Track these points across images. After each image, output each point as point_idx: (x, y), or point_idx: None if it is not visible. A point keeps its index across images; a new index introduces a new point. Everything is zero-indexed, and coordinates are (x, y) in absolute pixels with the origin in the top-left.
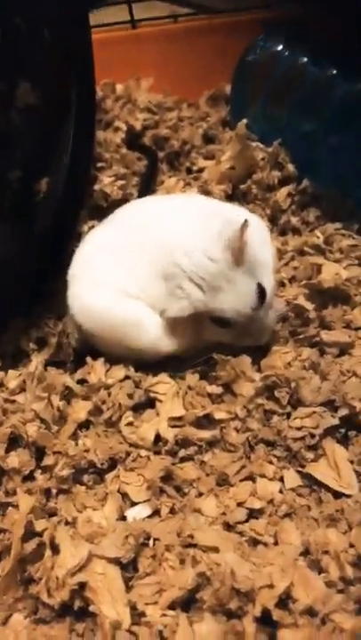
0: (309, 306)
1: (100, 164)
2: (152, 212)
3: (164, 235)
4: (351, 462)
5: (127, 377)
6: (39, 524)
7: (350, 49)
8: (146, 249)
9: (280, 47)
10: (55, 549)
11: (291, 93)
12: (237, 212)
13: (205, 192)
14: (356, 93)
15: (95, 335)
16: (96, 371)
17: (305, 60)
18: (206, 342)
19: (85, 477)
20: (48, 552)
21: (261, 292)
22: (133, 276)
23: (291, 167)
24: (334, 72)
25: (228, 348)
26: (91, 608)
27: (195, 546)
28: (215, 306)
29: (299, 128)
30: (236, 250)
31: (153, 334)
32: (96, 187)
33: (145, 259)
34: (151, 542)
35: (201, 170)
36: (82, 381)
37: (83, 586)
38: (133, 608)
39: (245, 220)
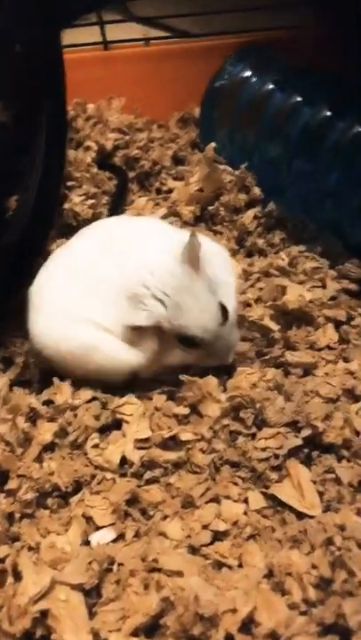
0: (275, 326)
1: (70, 183)
2: (116, 232)
3: (128, 254)
4: (314, 482)
5: (94, 398)
6: (1, 551)
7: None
8: (109, 268)
9: (248, 73)
10: (17, 576)
11: (258, 119)
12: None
13: (174, 213)
14: (319, 120)
15: (60, 362)
16: (63, 392)
17: (271, 86)
18: (172, 366)
19: (50, 501)
20: (10, 579)
21: (223, 309)
22: (94, 297)
23: (257, 190)
24: (299, 99)
25: (195, 369)
26: (53, 636)
27: (159, 570)
28: (180, 322)
29: (265, 153)
30: (193, 258)
31: (113, 355)
32: (66, 205)
33: (108, 278)
34: (115, 567)
35: (170, 190)
36: (48, 402)
37: (45, 613)
38: (96, 635)
39: (193, 232)
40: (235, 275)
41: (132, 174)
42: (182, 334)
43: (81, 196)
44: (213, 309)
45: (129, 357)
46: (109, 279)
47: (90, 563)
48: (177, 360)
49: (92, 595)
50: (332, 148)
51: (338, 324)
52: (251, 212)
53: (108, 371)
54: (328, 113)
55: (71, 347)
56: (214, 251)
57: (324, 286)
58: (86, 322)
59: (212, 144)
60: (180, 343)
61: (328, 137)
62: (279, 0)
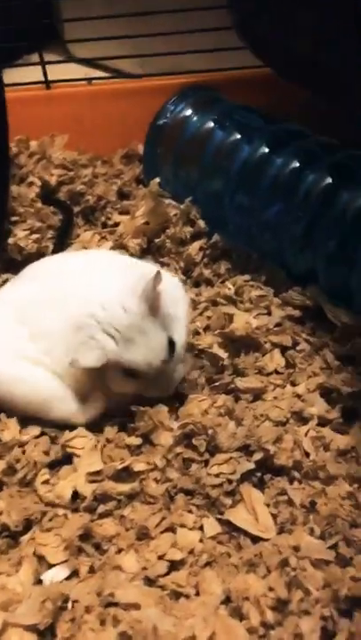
0: (223, 354)
1: (14, 218)
2: (61, 267)
3: (78, 287)
4: (268, 505)
5: (43, 433)
6: None
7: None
8: (56, 304)
9: (189, 112)
10: None
11: (199, 156)
12: (152, 268)
13: (121, 246)
14: (258, 156)
15: (6, 405)
16: (10, 428)
17: (212, 124)
18: (119, 400)
19: None
20: None
21: (171, 344)
22: (41, 338)
23: (202, 223)
24: (238, 136)
25: (145, 399)
26: None
27: (115, 604)
28: (127, 357)
29: (208, 187)
30: (151, 300)
31: (66, 409)
32: (10, 240)
33: (55, 315)
34: (70, 605)
35: (116, 224)
36: None
37: None
38: None
39: (158, 272)
40: (187, 308)
41: (77, 209)
42: (127, 368)
43: (25, 230)
44: (162, 346)
45: (79, 417)
46: (56, 317)
47: (43, 602)
48: (118, 388)
49: (46, 635)
50: (270, 183)
51: (284, 350)
52: (196, 244)
53: (60, 420)
54: (266, 150)
55: (23, 394)
56: (171, 285)
57: (269, 313)
58: (39, 368)
59: (157, 179)
60: (122, 372)
61: (267, 172)
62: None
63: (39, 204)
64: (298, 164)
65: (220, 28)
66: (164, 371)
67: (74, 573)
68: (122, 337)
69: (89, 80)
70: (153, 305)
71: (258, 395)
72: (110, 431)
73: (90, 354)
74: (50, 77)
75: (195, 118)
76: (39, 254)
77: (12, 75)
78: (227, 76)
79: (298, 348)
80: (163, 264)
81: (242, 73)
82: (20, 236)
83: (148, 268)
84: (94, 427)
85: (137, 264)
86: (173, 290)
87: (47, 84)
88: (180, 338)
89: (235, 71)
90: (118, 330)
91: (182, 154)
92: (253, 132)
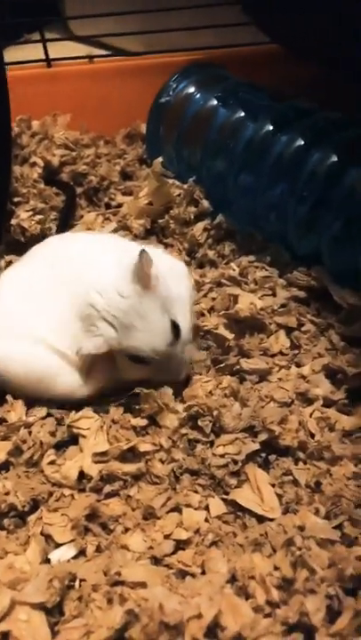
0: (229, 335)
1: (16, 199)
2: (66, 251)
3: (79, 274)
4: (273, 486)
5: (49, 414)
6: None
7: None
8: (60, 288)
9: (192, 89)
10: None
11: (202, 134)
12: (151, 250)
13: (125, 227)
14: (263, 135)
15: (10, 384)
16: (16, 409)
17: (215, 102)
18: (124, 380)
19: (6, 521)
20: None
21: (175, 328)
22: (46, 318)
23: (206, 203)
24: (242, 114)
25: (150, 382)
26: None
27: (122, 583)
28: (129, 344)
29: (212, 167)
30: (143, 277)
31: (69, 382)
32: (13, 221)
33: (60, 298)
34: (77, 584)
35: (120, 205)
36: (1, 421)
37: (6, 635)
38: None
39: (143, 249)
40: (191, 290)
41: (79, 190)
42: (132, 354)
43: (28, 211)
44: (164, 329)
45: (82, 390)
46: (61, 301)
47: (50, 581)
48: (129, 376)
49: (53, 613)
50: (275, 161)
51: (289, 331)
52: (200, 225)
53: (66, 395)
54: (271, 127)
55: (29, 371)
56: (170, 265)
57: (274, 294)
58: (43, 342)
59: (160, 158)
60: (130, 360)
61: (272, 151)
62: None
63: (42, 185)
64: (303, 142)
65: (225, 3)
66: (172, 355)
67: (81, 552)
68: (121, 323)
69: (90, 58)
70: (145, 284)
71: (263, 376)
72: (116, 412)
73: (91, 341)
74: (51, 56)
75: (198, 96)
76: (42, 236)
77: (14, 53)
78: (232, 52)
79: (303, 329)
80: (166, 245)
81: (247, 50)
82: (23, 217)
83: (136, 249)
84: (99, 407)
85: (135, 246)
86: (173, 269)
87: (48, 62)
88: (185, 320)
89: (240, 48)
90: (116, 316)
91: (185, 132)
92: (258, 109)
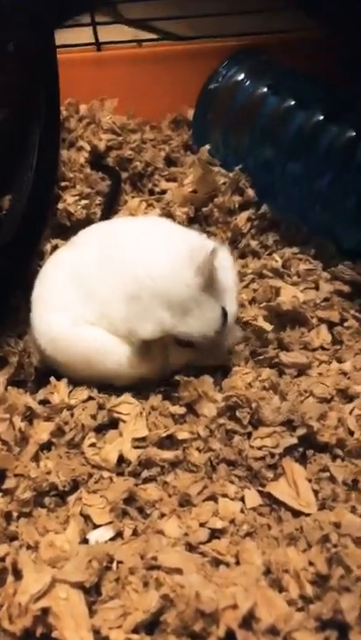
0: (269, 327)
1: (63, 183)
2: (115, 235)
3: (129, 257)
4: (309, 481)
5: (90, 398)
6: (1, 549)
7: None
8: (109, 272)
9: (241, 76)
10: (17, 575)
11: (251, 122)
12: (201, 238)
13: (168, 214)
14: (313, 124)
15: (59, 361)
16: (59, 391)
17: (265, 89)
18: (170, 363)
19: (47, 500)
20: (10, 578)
21: (224, 315)
22: (95, 301)
23: (251, 192)
24: (293, 103)
25: (191, 369)
26: (54, 634)
27: (158, 568)
28: (183, 329)
29: (259, 156)
30: (207, 275)
31: (118, 361)
32: (60, 205)
33: (108, 282)
34: (114, 565)
35: (164, 192)
36: (44, 402)
37: (45, 611)
38: (97, 633)
39: (214, 248)
40: (236, 278)
41: (124, 175)
42: (181, 339)
43: (75, 196)
44: (216, 317)
45: (137, 368)
46: (116, 283)
47: (89, 561)
48: (173, 359)
49: (91, 593)
50: (324, 152)
51: (331, 325)
52: (245, 214)
53: (115, 377)
54: (321, 117)
55: (80, 348)
56: (221, 255)
57: (317, 288)
58: (92, 323)
59: (207, 146)
60: (175, 343)
61: (321, 141)
62: (274, 4)
63: (88, 170)
64: (354, 133)
65: None
66: (218, 341)
67: (118, 535)
68: (178, 309)
69: (139, 42)
70: (209, 279)
71: (302, 370)
72: (155, 399)
73: (146, 326)
74: (100, 39)
75: (247, 83)
76: (88, 220)
77: (64, 36)
78: (281, 38)
79: (345, 324)
80: (209, 233)
81: (297, 35)
82: (70, 202)
83: (193, 236)
84: (139, 393)
85: (186, 232)
86: (224, 260)
87: (98, 45)
88: (232, 307)
89: (289, 34)
90: (174, 302)
91: (233, 120)
92: (308, 98)
